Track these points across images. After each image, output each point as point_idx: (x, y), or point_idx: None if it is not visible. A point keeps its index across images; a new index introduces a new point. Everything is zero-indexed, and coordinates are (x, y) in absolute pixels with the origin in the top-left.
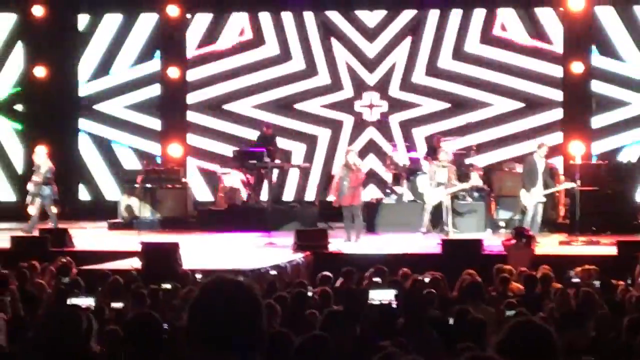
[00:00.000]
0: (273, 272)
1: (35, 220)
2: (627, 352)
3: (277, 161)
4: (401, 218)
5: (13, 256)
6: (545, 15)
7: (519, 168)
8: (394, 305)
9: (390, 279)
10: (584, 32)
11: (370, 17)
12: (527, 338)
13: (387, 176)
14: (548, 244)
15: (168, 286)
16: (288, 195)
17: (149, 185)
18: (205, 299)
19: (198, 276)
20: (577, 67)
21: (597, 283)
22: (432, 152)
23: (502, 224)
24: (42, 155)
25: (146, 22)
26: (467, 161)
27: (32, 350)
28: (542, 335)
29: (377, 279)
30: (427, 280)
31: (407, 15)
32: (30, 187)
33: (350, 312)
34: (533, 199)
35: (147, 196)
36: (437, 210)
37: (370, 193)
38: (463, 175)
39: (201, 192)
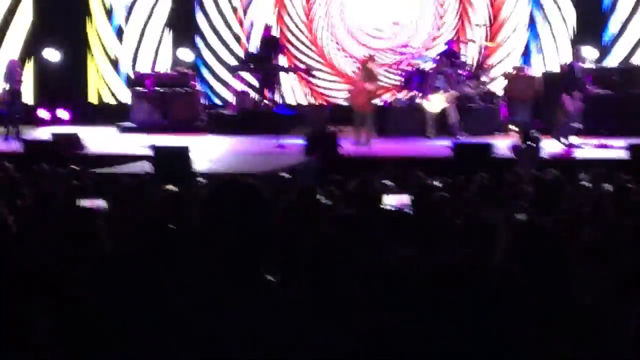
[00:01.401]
0: (284, 175)
1: None
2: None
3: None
4: (413, 122)
5: (25, 160)
6: None
7: (529, 71)
8: (408, 211)
9: (402, 182)
10: None
11: None
12: (536, 241)
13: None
14: (558, 147)
15: (176, 189)
16: (299, 98)
17: (158, 89)
18: (216, 201)
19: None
20: None
21: (609, 186)
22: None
23: (513, 127)
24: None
25: None
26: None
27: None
28: (551, 238)
29: (388, 182)
30: (438, 184)
31: None
32: None
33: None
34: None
35: (157, 100)
36: (444, 115)
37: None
38: (474, 78)
39: (213, 95)
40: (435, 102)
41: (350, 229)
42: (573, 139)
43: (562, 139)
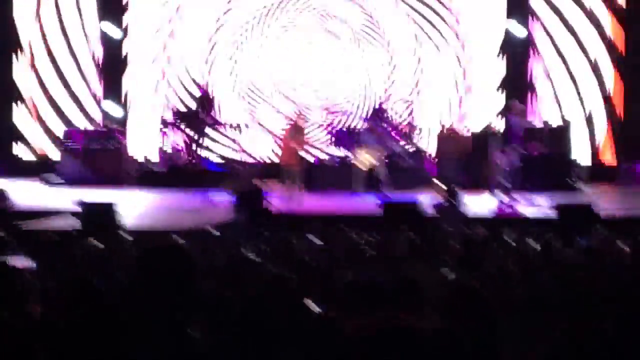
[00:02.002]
0: (212, 231)
1: None
2: (562, 309)
3: (217, 121)
4: (342, 178)
5: None
6: None
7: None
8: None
9: (329, 238)
10: None
11: None
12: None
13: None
14: (487, 205)
15: (102, 246)
16: (227, 154)
17: (88, 145)
18: (146, 265)
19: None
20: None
21: (535, 244)
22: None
23: (439, 183)
24: None
25: None
26: (406, 122)
27: None
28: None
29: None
30: (365, 239)
31: None
32: None
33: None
34: (509, 160)
35: (86, 155)
36: (372, 172)
37: (313, 152)
38: (404, 136)
39: (141, 152)
40: (365, 159)
41: (276, 288)
42: (502, 196)
43: (497, 195)
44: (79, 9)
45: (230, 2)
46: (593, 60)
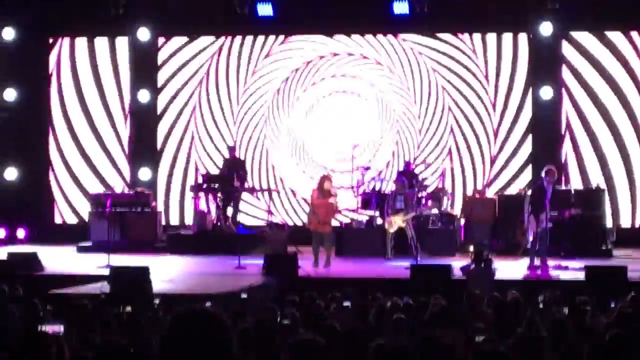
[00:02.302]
0: (243, 296)
1: None
2: None
3: (247, 185)
4: (371, 243)
5: None
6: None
7: (489, 193)
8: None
9: (358, 302)
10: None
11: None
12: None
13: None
14: (517, 269)
15: (134, 310)
16: (258, 219)
17: (118, 209)
18: (177, 330)
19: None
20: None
21: (566, 309)
22: (406, 177)
23: (471, 248)
24: None
25: (118, 46)
26: (437, 186)
27: None
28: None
29: (346, 303)
30: (396, 304)
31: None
32: None
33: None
34: (541, 224)
35: (116, 220)
36: (402, 236)
37: (340, 217)
38: (434, 200)
39: (172, 215)
40: (395, 223)
41: (306, 353)
42: (534, 260)
43: (532, 260)
44: (116, 72)
45: (257, 65)
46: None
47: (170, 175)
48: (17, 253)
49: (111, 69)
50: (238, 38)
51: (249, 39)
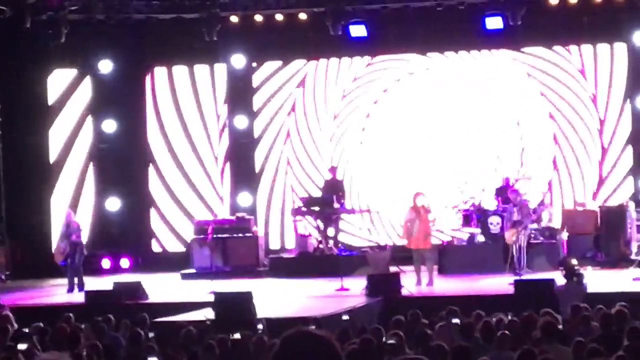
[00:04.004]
0: (345, 317)
1: None
2: None
3: (346, 206)
4: (473, 259)
5: (87, 310)
6: None
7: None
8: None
9: (464, 320)
10: None
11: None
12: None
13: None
14: (623, 280)
15: (238, 336)
16: (359, 239)
17: (219, 235)
18: (287, 352)
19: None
20: None
21: None
22: (502, 193)
23: (574, 261)
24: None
25: (215, 73)
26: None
27: None
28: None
29: (455, 320)
30: (501, 320)
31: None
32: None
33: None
34: None
35: (218, 246)
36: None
37: (441, 235)
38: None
39: (273, 240)
40: (514, 235)
41: None
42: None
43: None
44: (212, 99)
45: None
46: None
47: (269, 199)
48: (122, 283)
49: (207, 96)
50: (334, 60)
51: (345, 60)
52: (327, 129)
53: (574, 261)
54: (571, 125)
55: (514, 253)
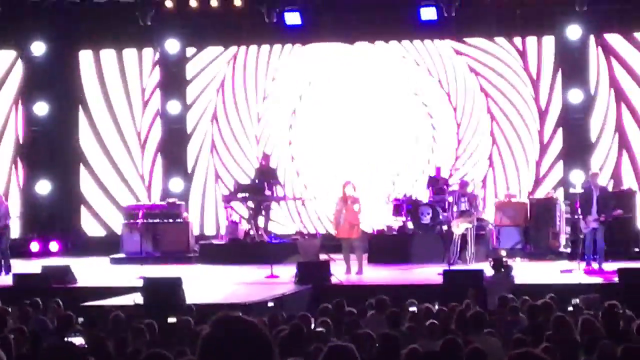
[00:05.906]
0: (271, 304)
1: None
2: None
3: (278, 193)
4: (403, 249)
5: (15, 293)
6: None
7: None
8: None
9: (391, 310)
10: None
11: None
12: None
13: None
14: (550, 272)
15: (173, 320)
16: (289, 227)
17: (150, 221)
18: (217, 336)
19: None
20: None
21: (599, 311)
22: (435, 183)
23: (503, 253)
24: None
25: (143, 57)
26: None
27: None
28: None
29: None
30: (429, 310)
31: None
32: None
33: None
34: (589, 225)
35: (148, 231)
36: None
37: (372, 224)
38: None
39: (204, 225)
40: (462, 225)
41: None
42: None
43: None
44: (144, 84)
45: (276, 73)
46: None
47: (205, 186)
48: (50, 266)
49: (139, 80)
50: (265, 47)
51: (277, 47)
52: (255, 112)
53: (503, 253)
54: (507, 118)
55: (454, 245)
